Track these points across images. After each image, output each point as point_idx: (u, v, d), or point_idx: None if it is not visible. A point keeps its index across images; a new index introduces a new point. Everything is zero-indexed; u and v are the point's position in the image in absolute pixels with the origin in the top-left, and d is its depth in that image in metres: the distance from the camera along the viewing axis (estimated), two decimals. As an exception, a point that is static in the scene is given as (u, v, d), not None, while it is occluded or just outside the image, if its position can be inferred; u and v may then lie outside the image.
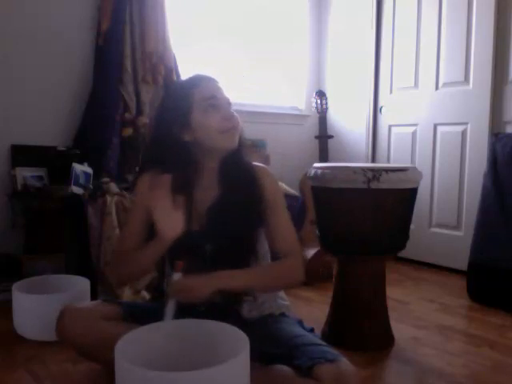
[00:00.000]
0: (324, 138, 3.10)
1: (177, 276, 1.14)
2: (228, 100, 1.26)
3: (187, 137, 1.22)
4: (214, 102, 1.22)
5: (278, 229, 1.27)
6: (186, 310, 1.16)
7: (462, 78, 2.86)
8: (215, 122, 1.21)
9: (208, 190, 1.27)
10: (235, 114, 1.25)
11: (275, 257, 1.30)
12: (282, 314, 1.32)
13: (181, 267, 1.14)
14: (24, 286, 1.84)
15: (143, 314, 1.25)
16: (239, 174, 1.26)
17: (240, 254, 1.23)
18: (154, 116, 1.41)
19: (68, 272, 2.13)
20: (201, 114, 1.21)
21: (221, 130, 1.21)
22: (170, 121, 1.23)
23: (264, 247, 1.34)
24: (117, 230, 2.19)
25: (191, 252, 1.23)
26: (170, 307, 1.13)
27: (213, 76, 1.29)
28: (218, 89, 1.25)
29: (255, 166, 1.31)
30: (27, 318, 1.74)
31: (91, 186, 2.30)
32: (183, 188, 1.24)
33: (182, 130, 1.22)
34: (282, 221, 1.28)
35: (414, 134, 3.16)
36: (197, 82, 1.25)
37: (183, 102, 1.22)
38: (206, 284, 1.12)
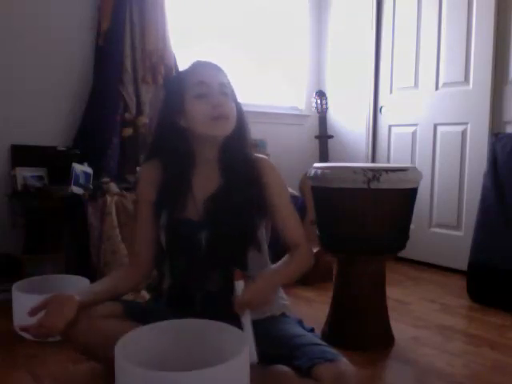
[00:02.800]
0: (324, 138, 3.10)
1: (240, 285, 1.13)
2: (221, 86, 1.22)
3: (183, 122, 1.23)
4: (202, 88, 1.20)
5: (286, 220, 1.31)
6: (185, 312, 1.16)
7: (462, 78, 2.86)
8: (202, 109, 1.20)
9: (209, 180, 1.26)
10: (226, 101, 1.22)
11: (284, 246, 1.34)
12: (283, 314, 1.31)
13: (240, 276, 1.14)
14: (24, 285, 1.84)
15: (143, 314, 1.25)
16: (238, 165, 1.26)
17: (236, 245, 1.22)
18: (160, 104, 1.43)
19: (68, 272, 2.13)
20: (191, 100, 1.21)
21: (208, 117, 1.19)
22: (168, 107, 1.27)
23: (263, 244, 1.34)
24: (117, 230, 2.19)
25: (187, 241, 1.23)
26: (247, 318, 1.11)
27: (210, 61, 1.28)
28: (210, 74, 1.23)
29: (257, 157, 1.31)
30: (27, 318, 1.74)
31: (91, 186, 2.30)
32: (181, 176, 1.25)
33: (178, 116, 1.23)
34: (288, 212, 1.32)
35: (413, 133, 3.16)
36: (191, 67, 1.27)
37: (178, 89, 1.24)
38: (269, 288, 1.18)
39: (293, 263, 1.29)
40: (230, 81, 1.29)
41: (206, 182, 1.27)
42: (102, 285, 1.31)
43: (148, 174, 1.32)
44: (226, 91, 1.23)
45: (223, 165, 1.27)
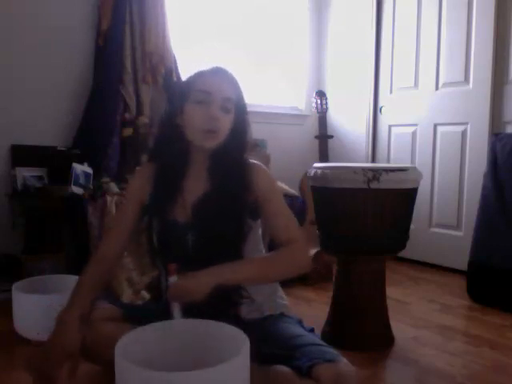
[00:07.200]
0: (324, 138, 3.10)
1: (173, 279, 1.12)
2: (224, 101, 1.20)
3: (179, 120, 1.23)
4: (205, 97, 1.20)
5: (276, 220, 1.24)
6: (184, 312, 1.16)
7: (462, 78, 2.86)
8: (198, 116, 1.19)
9: (198, 182, 1.26)
10: (222, 117, 1.20)
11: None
12: (282, 314, 1.31)
13: (174, 270, 1.12)
14: (24, 286, 1.84)
15: (143, 316, 1.25)
16: (228, 170, 1.25)
17: (222, 248, 1.21)
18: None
19: (68, 272, 2.13)
20: (192, 104, 1.21)
21: (200, 127, 1.19)
22: (171, 102, 1.28)
23: (258, 245, 1.33)
24: (117, 230, 2.19)
25: (175, 243, 1.23)
26: (176, 311, 1.13)
27: (227, 71, 1.26)
28: (218, 86, 1.21)
29: (249, 163, 1.29)
30: (27, 318, 1.74)
31: (91, 186, 2.30)
32: (172, 174, 1.25)
33: (177, 114, 1.23)
34: (279, 212, 1.25)
35: (413, 133, 3.16)
36: (204, 72, 1.26)
37: (185, 87, 1.24)
38: (203, 282, 1.09)
39: (270, 257, 1.21)
40: (241, 94, 1.27)
41: (195, 183, 1.26)
42: (83, 289, 1.29)
43: (143, 174, 1.32)
44: (228, 107, 1.22)
45: (212, 168, 1.26)
